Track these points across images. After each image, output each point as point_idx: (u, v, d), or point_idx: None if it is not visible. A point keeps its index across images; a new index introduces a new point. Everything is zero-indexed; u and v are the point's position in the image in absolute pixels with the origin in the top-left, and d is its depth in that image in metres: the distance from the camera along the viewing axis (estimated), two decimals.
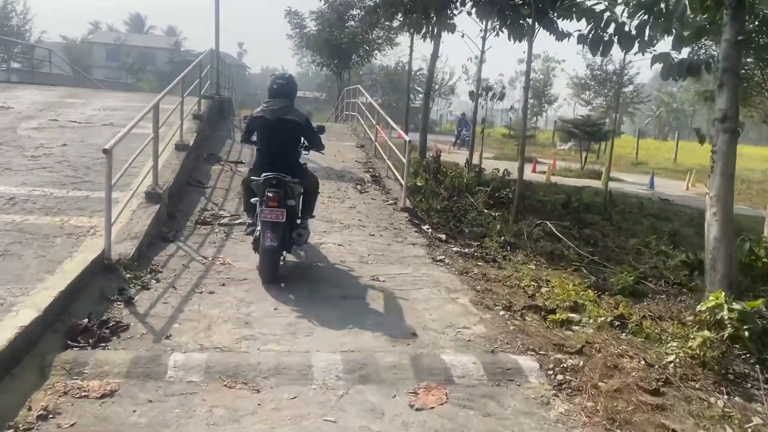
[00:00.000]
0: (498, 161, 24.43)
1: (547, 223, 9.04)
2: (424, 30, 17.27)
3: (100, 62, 65.30)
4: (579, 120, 21.08)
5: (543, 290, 6.04)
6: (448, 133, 53.02)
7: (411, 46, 15.67)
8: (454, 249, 7.44)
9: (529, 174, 20.12)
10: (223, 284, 5.30)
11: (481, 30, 13.37)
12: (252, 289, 5.24)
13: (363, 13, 18.59)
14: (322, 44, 23.25)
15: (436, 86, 54.01)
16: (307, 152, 6.17)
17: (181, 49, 72.83)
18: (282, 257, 5.67)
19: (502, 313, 5.11)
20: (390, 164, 10.43)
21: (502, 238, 8.41)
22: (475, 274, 6.38)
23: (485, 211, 11.27)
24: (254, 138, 5.84)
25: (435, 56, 17.30)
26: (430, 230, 8.15)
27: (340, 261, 6.31)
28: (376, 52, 25.05)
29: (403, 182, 9.06)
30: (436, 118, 60.78)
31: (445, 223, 9.41)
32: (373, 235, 7.46)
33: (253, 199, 5.61)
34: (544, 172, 20.93)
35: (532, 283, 6.29)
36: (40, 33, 46.39)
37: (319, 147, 6.08)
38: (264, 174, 5.40)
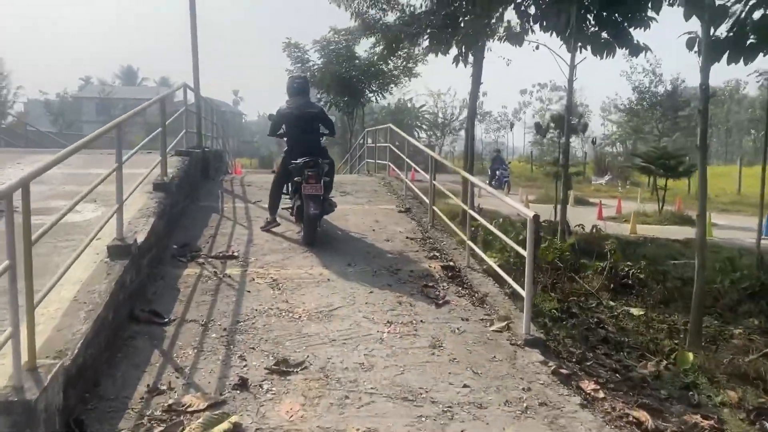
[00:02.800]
0: (545, 205, 20.64)
1: None
2: (457, 51, 13.77)
3: (90, 117, 62.22)
4: (654, 152, 17.28)
5: None
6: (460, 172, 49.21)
7: (476, 63, 12.02)
8: None
9: (593, 221, 16.29)
10: None
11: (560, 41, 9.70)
12: None
13: (380, 37, 14.91)
14: (329, 79, 19.47)
15: (446, 121, 50.60)
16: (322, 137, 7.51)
17: (175, 100, 69.80)
18: (319, 224, 6.97)
19: None
20: (474, 246, 6.48)
21: (736, 400, 4.41)
22: None
23: (612, 303, 7.38)
24: (281, 131, 7.36)
25: (477, 80, 13.64)
26: (602, 395, 4.16)
27: None
28: (392, 85, 21.31)
29: (520, 289, 5.13)
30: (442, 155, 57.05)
31: (585, 348, 5.48)
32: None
33: (296, 178, 6.81)
34: (614, 218, 16.98)
35: None
36: (15, 88, 43.03)
37: (333, 132, 7.57)
38: (302, 158, 6.80)
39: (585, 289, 7.71)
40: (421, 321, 5.04)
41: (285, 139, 7.43)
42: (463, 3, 12.92)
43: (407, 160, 9.41)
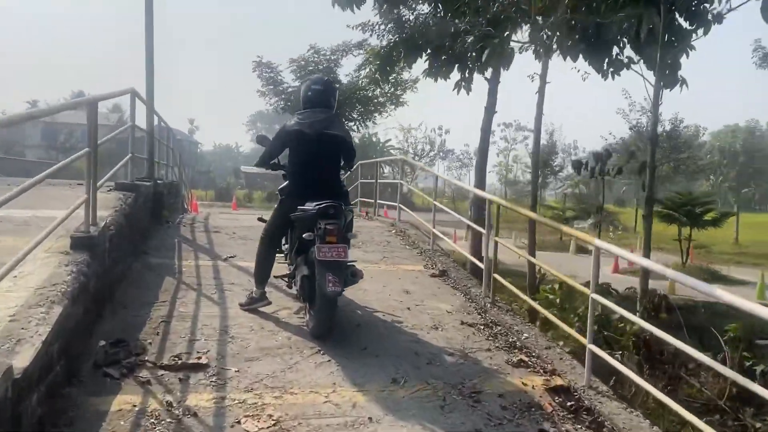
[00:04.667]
0: (546, 252, 18.59)
1: None
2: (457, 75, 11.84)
3: (34, 141, 58.47)
4: (679, 198, 15.43)
5: None
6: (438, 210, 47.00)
7: (544, 73, 9.83)
8: None
9: (609, 276, 14.31)
10: None
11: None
12: None
13: (369, 58, 12.72)
14: None
15: (416, 157, 48.51)
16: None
17: (137, 136, 65.97)
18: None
19: None
20: (610, 358, 4.07)
21: None
22: None
23: (756, 425, 5.07)
24: (277, 161, 4.93)
25: (492, 109, 11.63)
26: None
27: None
28: (375, 114, 19.03)
29: None
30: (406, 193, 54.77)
31: None
32: None
33: (305, 235, 4.29)
34: (632, 272, 14.90)
35: None
36: None
37: (350, 165, 5.02)
38: (316, 203, 4.31)
39: (706, 396, 5.39)
40: None
41: (284, 173, 4.94)
42: (474, 19, 10.89)
43: (436, 203, 7.00)
